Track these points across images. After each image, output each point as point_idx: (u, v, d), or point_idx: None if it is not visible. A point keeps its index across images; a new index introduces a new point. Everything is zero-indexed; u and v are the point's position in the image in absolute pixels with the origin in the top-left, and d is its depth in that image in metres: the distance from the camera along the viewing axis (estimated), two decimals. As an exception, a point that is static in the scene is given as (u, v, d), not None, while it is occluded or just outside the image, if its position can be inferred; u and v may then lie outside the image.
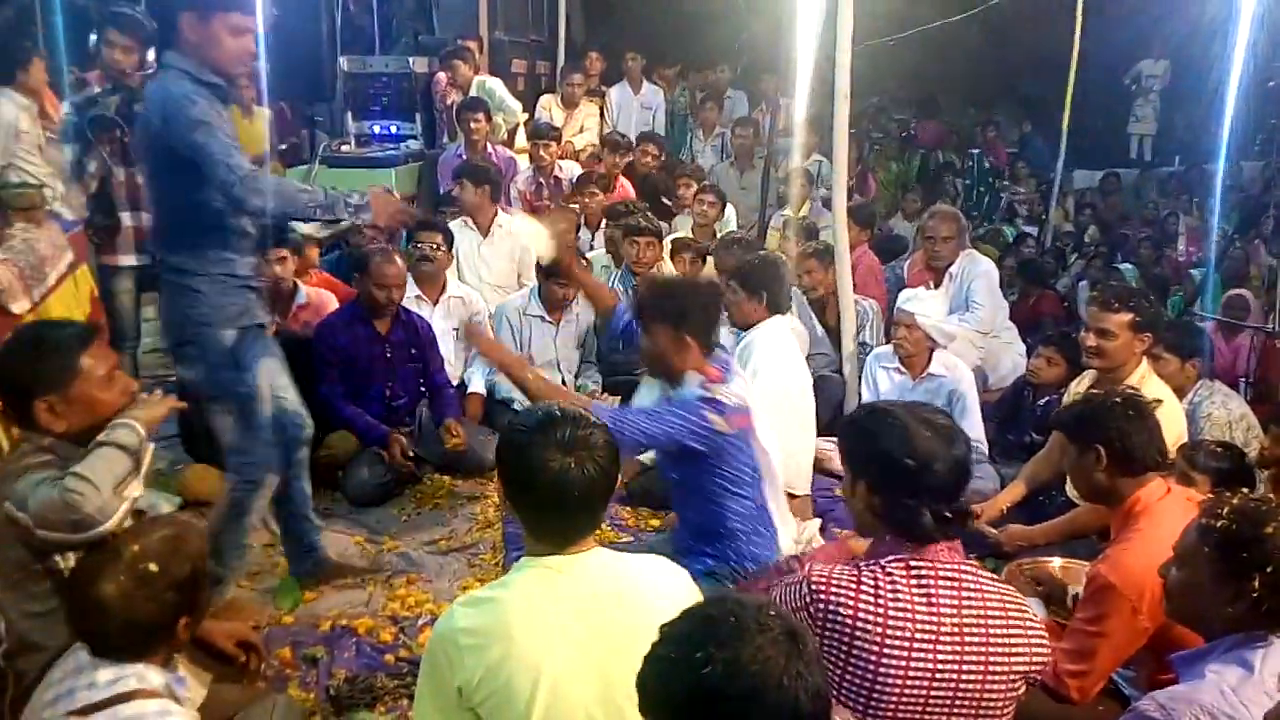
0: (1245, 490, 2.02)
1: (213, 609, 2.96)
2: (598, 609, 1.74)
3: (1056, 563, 3.12)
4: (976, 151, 10.29)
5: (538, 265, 4.84)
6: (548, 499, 1.75)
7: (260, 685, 2.74)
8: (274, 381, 3.05)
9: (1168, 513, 2.40)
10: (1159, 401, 2.73)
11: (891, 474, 1.86)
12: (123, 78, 4.51)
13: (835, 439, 4.17)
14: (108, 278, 4.72)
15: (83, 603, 1.86)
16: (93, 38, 4.51)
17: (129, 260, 4.71)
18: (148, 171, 2.81)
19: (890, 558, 1.85)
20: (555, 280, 4.67)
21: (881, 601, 1.79)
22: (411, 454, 4.18)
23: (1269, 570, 1.83)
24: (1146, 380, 3.35)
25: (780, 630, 1.33)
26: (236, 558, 3.09)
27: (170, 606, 1.87)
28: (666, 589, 1.83)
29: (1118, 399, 2.58)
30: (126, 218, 4.66)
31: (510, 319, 4.86)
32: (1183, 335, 4.00)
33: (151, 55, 4.73)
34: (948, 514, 1.85)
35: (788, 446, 3.70)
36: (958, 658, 1.79)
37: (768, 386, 3.65)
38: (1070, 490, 3.56)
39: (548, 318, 4.88)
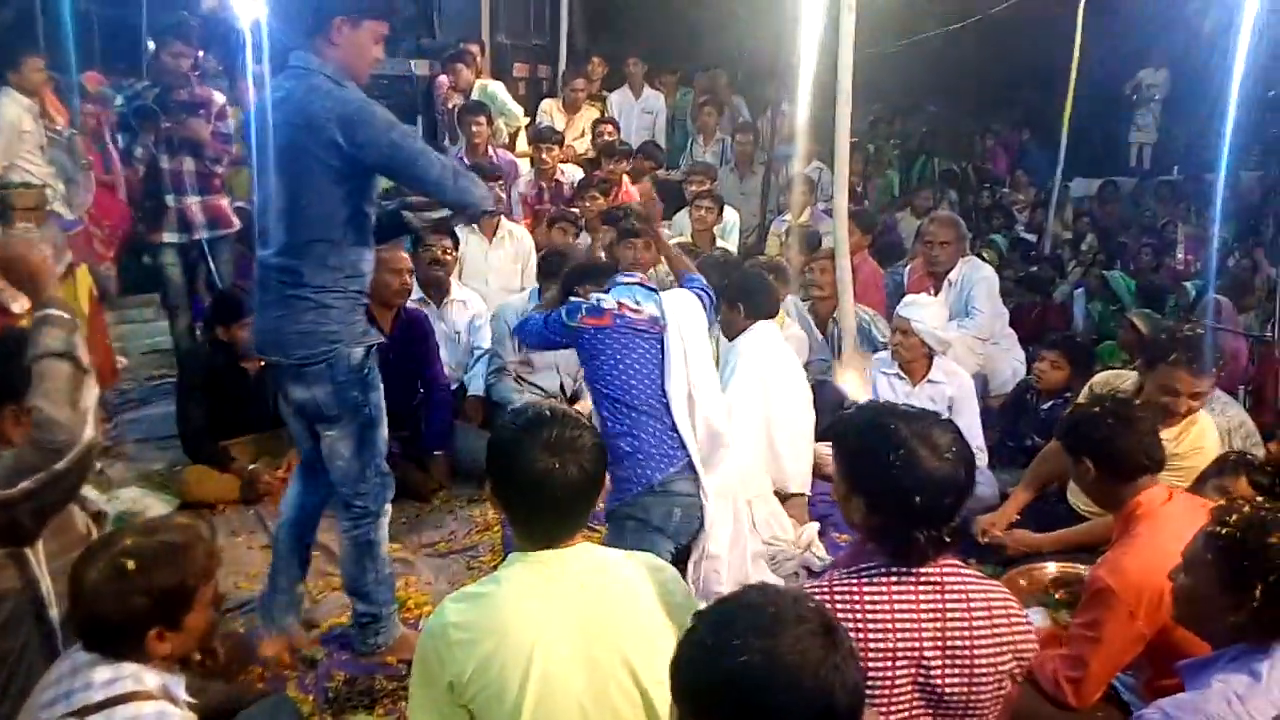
0: (1262, 500, 1.99)
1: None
2: (586, 601, 1.76)
3: (1051, 568, 3.12)
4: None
5: (539, 268, 4.84)
6: (532, 498, 1.77)
7: (259, 685, 2.75)
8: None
9: (1170, 518, 2.39)
10: (1150, 408, 2.70)
11: (892, 501, 1.77)
12: (175, 79, 4.91)
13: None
14: (155, 254, 5.20)
15: (69, 583, 1.84)
16: (150, 44, 5.07)
17: (172, 238, 5.10)
18: (293, 183, 2.60)
19: (870, 566, 1.81)
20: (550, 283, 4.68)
21: (859, 616, 1.75)
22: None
23: (1271, 581, 1.81)
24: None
25: (818, 623, 1.33)
26: (384, 590, 2.99)
27: (136, 612, 1.81)
28: (652, 584, 1.84)
29: (1103, 406, 2.58)
30: (170, 199, 5.04)
31: (510, 321, 4.83)
32: None
33: (200, 54, 5.28)
34: (946, 537, 1.79)
35: (777, 448, 3.88)
36: (941, 666, 1.76)
37: (749, 389, 3.82)
38: (1071, 498, 3.57)
39: None
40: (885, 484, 1.78)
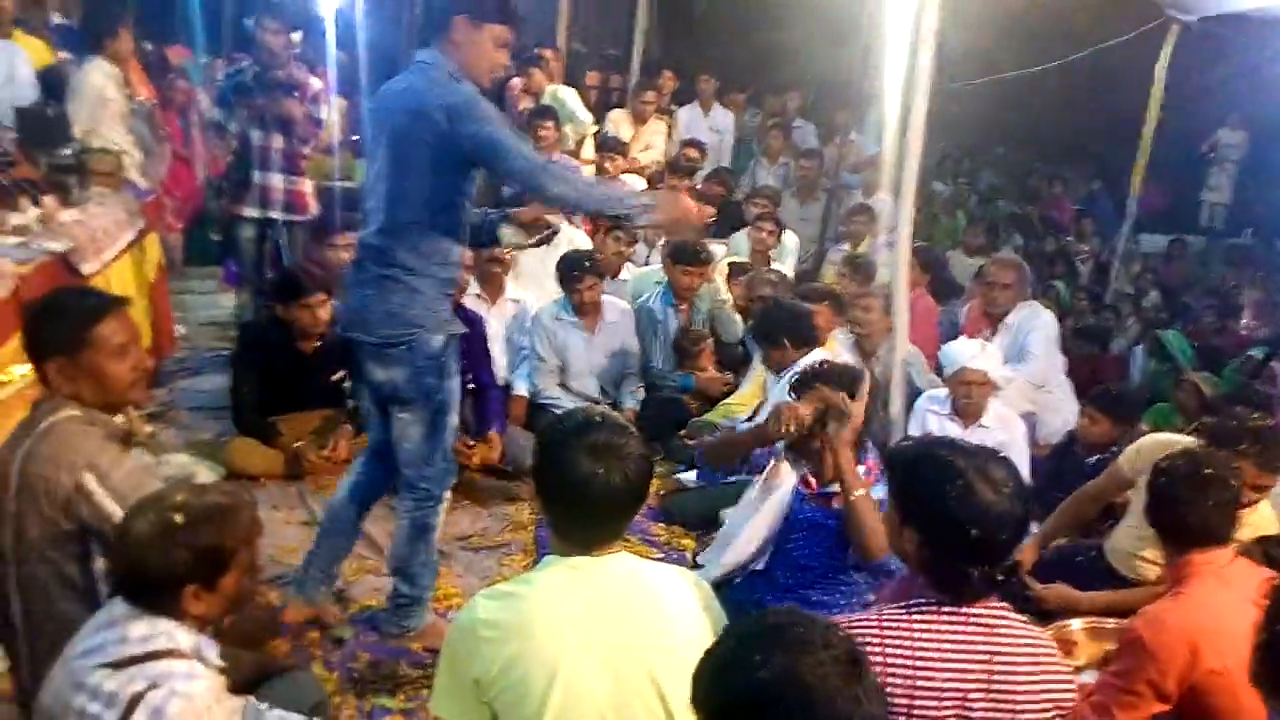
0: None
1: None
2: (617, 611, 1.75)
3: (1076, 625, 3.06)
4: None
5: (557, 272, 4.87)
6: (574, 501, 1.77)
7: (284, 657, 2.79)
8: None
9: (1227, 582, 2.34)
10: (1236, 482, 2.61)
11: (946, 534, 1.76)
12: (271, 58, 5.13)
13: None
14: (235, 225, 5.38)
15: (116, 532, 1.90)
16: (248, 21, 5.29)
17: (252, 213, 5.28)
18: (400, 171, 2.73)
19: (920, 602, 1.80)
20: (574, 286, 4.74)
21: (910, 652, 1.73)
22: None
23: (1269, 636, 1.77)
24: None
25: (843, 651, 1.32)
26: (428, 575, 3.06)
27: (179, 566, 1.84)
28: (686, 599, 1.83)
29: (1185, 466, 2.51)
30: (256, 175, 5.22)
31: (545, 325, 4.88)
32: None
33: (297, 38, 5.55)
34: (999, 575, 1.77)
35: None
36: (985, 710, 1.74)
37: None
38: (1110, 559, 3.49)
39: (581, 325, 4.88)
40: (940, 516, 1.76)
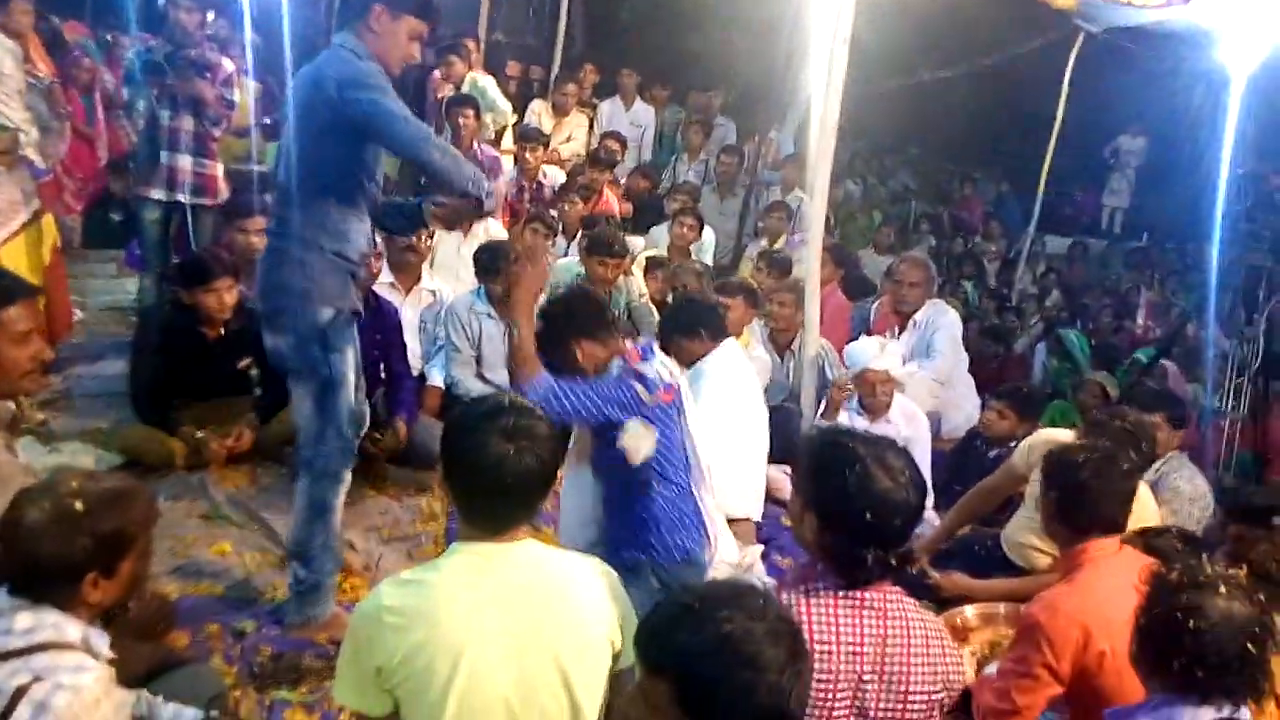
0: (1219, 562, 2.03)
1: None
2: (523, 598, 1.76)
3: (970, 611, 3.17)
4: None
5: (475, 262, 4.85)
6: (483, 483, 1.78)
7: (182, 650, 2.72)
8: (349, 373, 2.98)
9: (1114, 569, 2.44)
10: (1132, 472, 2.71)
11: (845, 519, 1.82)
12: (184, 37, 5.02)
13: (786, 468, 4.29)
14: (139, 207, 5.18)
15: (4, 522, 1.83)
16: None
17: (158, 194, 5.09)
18: (299, 141, 2.80)
19: (819, 585, 1.85)
20: (491, 280, 4.73)
21: (805, 634, 1.75)
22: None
23: (1142, 621, 1.90)
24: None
25: (792, 633, 1.44)
26: (329, 560, 3.00)
27: (79, 554, 1.80)
28: (593, 587, 1.85)
29: (1090, 454, 2.61)
30: (164, 156, 5.06)
31: (460, 315, 4.84)
32: (1171, 404, 4.05)
33: (211, 17, 5.38)
34: (893, 560, 1.84)
35: (735, 469, 3.79)
36: (877, 690, 1.80)
37: (718, 410, 3.71)
38: (1006, 549, 3.61)
39: (495, 315, 4.85)
40: (839, 501, 1.83)
